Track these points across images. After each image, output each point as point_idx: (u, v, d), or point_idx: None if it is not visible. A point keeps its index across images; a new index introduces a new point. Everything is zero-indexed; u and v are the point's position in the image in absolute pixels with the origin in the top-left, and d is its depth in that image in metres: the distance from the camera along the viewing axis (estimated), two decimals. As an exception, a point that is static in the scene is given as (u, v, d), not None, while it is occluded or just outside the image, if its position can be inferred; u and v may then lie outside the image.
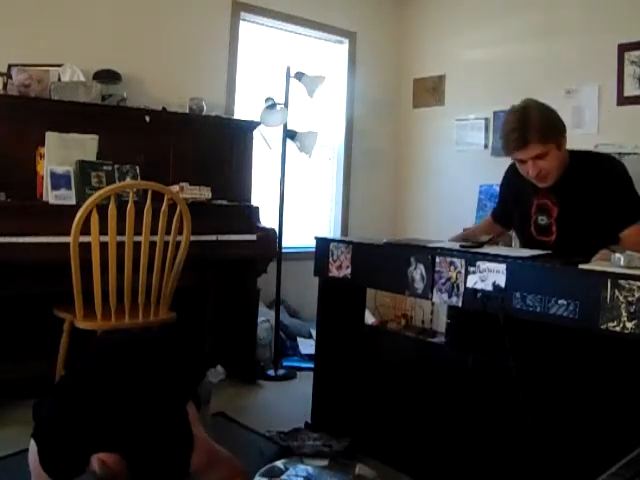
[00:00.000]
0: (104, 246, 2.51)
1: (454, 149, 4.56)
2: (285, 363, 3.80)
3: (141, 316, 2.69)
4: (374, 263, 2.41)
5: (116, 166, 3.06)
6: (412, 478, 2.32)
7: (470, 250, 2.14)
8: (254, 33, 4.22)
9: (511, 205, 2.52)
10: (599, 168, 2.25)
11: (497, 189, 4.30)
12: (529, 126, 2.14)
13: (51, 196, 2.84)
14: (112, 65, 3.42)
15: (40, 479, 1.70)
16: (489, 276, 1.99)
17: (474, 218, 4.32)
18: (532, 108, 2.20)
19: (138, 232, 2.57)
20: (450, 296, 2.12)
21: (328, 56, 4.68)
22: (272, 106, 3.62)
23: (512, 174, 2.47)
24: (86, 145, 3.02)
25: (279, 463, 2.18)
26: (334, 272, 2.55)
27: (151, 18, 3.69)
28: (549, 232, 2.32)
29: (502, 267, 1.96)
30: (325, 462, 2.22)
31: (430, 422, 2.31)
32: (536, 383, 1.97)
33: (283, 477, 2.09)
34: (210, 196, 3.27)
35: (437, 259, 2.16)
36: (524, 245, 2.45)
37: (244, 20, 4.13)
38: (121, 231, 2.53)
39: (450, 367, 2.27)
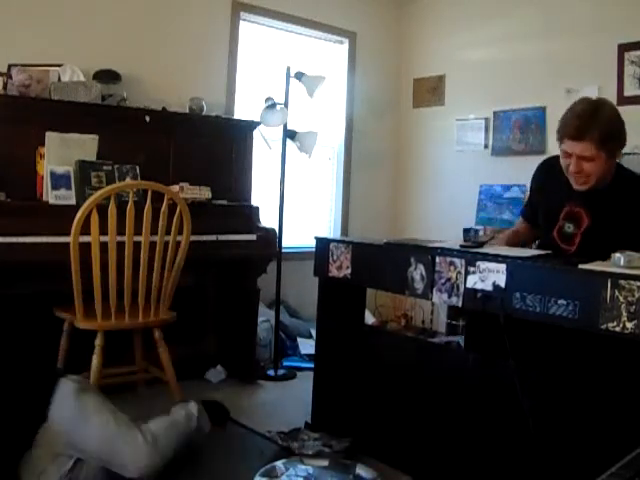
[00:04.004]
0: (104, 246, 2.51)
1: (454, 149, 4.56)
2: (285, 363, 3.80)
3: (141, 316, 2.69)
4: (374, 263, 2.41)
5: (116, 166, 3.06)
6: (412, 478, 2.32)
7: (470, 250, 2.13)
8: (254, 33, 4.22)
9: (539, 204, 2.46)
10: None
11: (497, 189, 4.34)
12: (594, 122, 2.07)
13: (51, 196, 2.84)
14: (112, 65, 3.42)
15: None
16: (489, 276, 1.99)
17: (474, 218, 4.32)
18: (606, 107, 2.14)
19: (138, 232, 2.57)
20: (450, 296, 2.12)
21: (328, 56, 4.68)
22: (272, 106, 3.62)
23: (548, 171, 2.41)
24: (86, 145, 3.02)
25: (279, 463, 2.18)
26: (334, 272, 2.55)
27: (151, 18, 3.69)
28: (571, 242, 2.26)
29: (502, 267, 1.96)
30: (325, 462, 2.22)
31: (430, 422, 2.31)
32: (536, 383, 1.97)
33: (283, 477, 2.09)
34: (210, 196, 3.27)
35: (437, 259, 2.16)
36: (543, 246, 2.39)
37: (244, 20, 4.13)
38: (121, 231, 2.53)
39: (450, 367, 2.27)
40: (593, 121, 2.07)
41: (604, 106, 2.14)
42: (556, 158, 2.31)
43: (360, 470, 2.17)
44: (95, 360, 2.59)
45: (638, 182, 2.26)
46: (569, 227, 2.28)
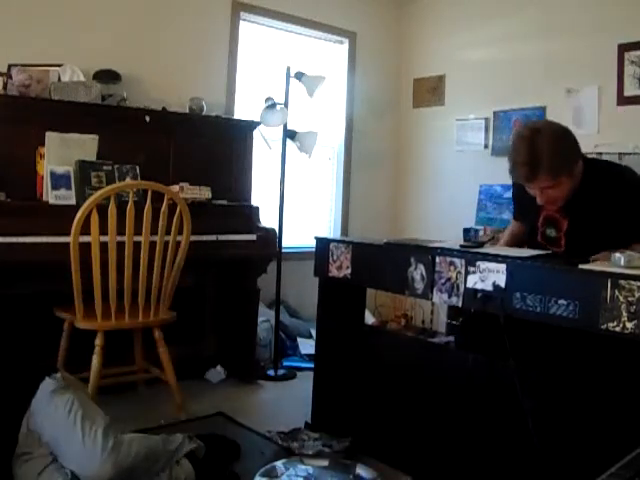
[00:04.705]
0: (104, 246, 2.51)
1: (454, 149, 4.56)
2: (285, 363, 3.80)
3: (141, 316, 2.69)
4: (374, 263, 2.41)
5: (116, 166, 3.06)
6: (412, 478, 2.33)
7: (470, 250, 2.13)
8: (254, 33, 4.22)
9: (521, 209, 2.47)
10: (613, 181, 2.16)
11: (497, 189, 4.34)
12: (538, 161, 2.04)
13: (51, 196, 2.84)
14: (112, 65, 3.42)
15: None
16: (489, 276, 1.99)
17: (474, 218, 4.32)
18: (542, 138, 2.06)
19: (138, 232, 2.57)
20: (450, 296, 2.12)
21: (328, 56, 4.68)
22: (272, 106, 3.62)
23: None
24: (86, 145, 3.02)
25: (279, 463, 2.18)
26: (334, 272, 2.55)
27: (151, 18, 3.69)
28: (558, 244, 2.28)
29: (502, 267, 1.96)
30: (325, 462, 2.22)
31: (430, 422, 2.31)
32: (536, 383, 1.97)
33: (283, 477, 2.09)
34: (210, 196, 3.27)
35: (437, 259, 2.16)
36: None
37: (244, 20, 4.13)
38: (121, 231, 2.53)
39: (450, 367, 2.27)
40: (537, 162, 2.04)
41: (539, 137, 2.07)
42: None
43: (360, 470, 2.17)
44: (95, 360, 2.59)
45: (608, 174, 2.22)
46: (550, 232, 2.30)
